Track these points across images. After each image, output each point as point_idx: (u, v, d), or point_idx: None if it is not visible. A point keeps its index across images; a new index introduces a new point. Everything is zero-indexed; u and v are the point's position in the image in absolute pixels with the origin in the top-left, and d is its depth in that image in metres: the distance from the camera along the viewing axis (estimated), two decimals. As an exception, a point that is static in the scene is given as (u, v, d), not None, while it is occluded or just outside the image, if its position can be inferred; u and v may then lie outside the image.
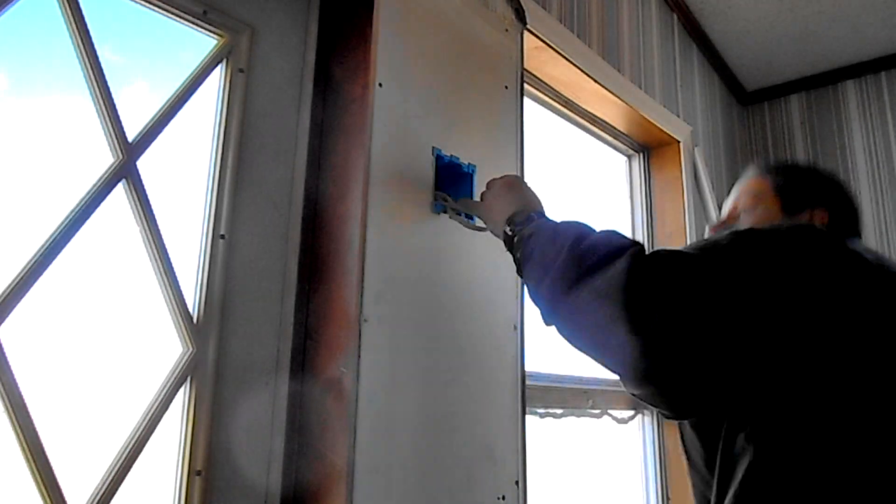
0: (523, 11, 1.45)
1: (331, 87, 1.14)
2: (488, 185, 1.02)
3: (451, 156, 1.18)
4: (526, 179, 1.33)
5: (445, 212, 1.14)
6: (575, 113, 1.91)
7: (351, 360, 0.96)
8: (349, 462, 0.92)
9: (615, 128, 2.08)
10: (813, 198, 0.98)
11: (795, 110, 2.82)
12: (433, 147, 1.15)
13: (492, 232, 0.98)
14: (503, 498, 1.16)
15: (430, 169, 1.14)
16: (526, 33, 1.48)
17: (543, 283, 0.73)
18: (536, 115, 1.77)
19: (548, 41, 1.58)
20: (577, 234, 0.72)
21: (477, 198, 1.13)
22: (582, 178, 2.07)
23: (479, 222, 1.11)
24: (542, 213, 0.90)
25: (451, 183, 1.17)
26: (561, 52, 1.63)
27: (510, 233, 0.87)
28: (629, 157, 2.26)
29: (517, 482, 1.20)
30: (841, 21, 2.39)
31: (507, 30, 1.40)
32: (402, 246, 1.07)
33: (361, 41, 1.09)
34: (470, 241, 1.17)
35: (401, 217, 1.08)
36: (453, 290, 1.15)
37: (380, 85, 1.07)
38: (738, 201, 1.02)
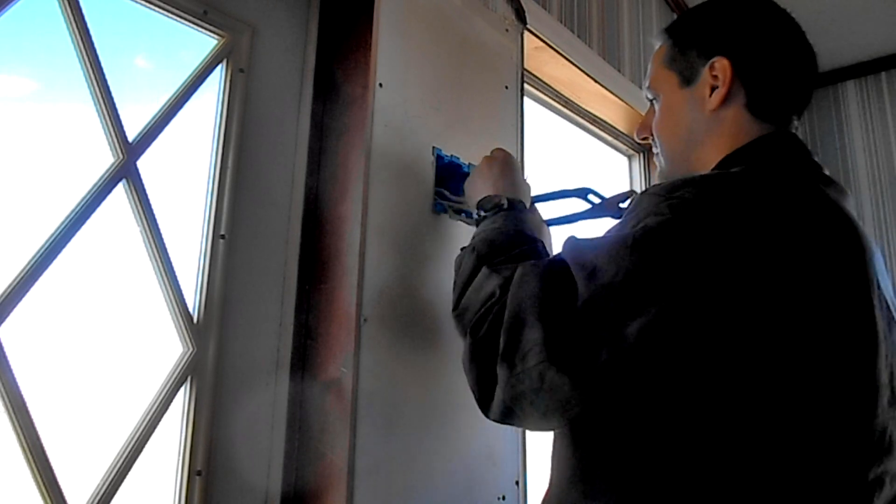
0: (523, 11, 1.45)
1: (331, 87, 1.14)
2: (485, 159, 1.02)
3: (451, 156, 1.18)
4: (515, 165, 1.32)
5: (445, 212, 1.14)
6: (575, 113, 1.91)
7: (351, 359, 0.96)
8: (349, 462, 0.92)
9: (615, 128, 2.08)
10: (706, 47, 0.77)
11: (795, 110, 2.82)
12: (433, 147, 1.15)
13: (469, 198, 1.01)
14: (503, 498, 1.16)
15: (430, 169, 1.14)
16: (526, 33, 1.48)
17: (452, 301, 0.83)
18: (536, 115, 1.77)
19: (548, 41, 1.58)
20: (460, 290, 0.80)
21: None
22: (582, 178, 2.07)
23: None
24: (512, 208, 0.89)
25: (451, 183, 1.17)
26: (561, 52, 1.63)
27: (486, 210, 0.92)
28: (629, 157, 2.26)
29: (517, 482, 1.20)
30: (841, 21, 2.39)
31: (507, 30, 1.40)
32: (402, 246, 1.07)
33: (362, 41, 1.09)
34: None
35: (401, 217, 1.08)
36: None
37: (380, 85, 1.07)
38: (647, 90, 0.86)
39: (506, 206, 0.89)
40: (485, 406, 0.69)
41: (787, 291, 0.58)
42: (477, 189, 0.97)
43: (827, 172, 0.73)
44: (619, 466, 0.62)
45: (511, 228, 0.84)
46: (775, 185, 0.64)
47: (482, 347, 0.69)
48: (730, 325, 0.56)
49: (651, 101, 0.86)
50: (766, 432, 0.58)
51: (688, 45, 0.79)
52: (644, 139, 0.88)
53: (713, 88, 0.76)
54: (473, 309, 0.74)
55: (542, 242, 0.84)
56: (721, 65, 0.75)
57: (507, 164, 0.98)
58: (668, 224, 0.59)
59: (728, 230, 0.58)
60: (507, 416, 0.67)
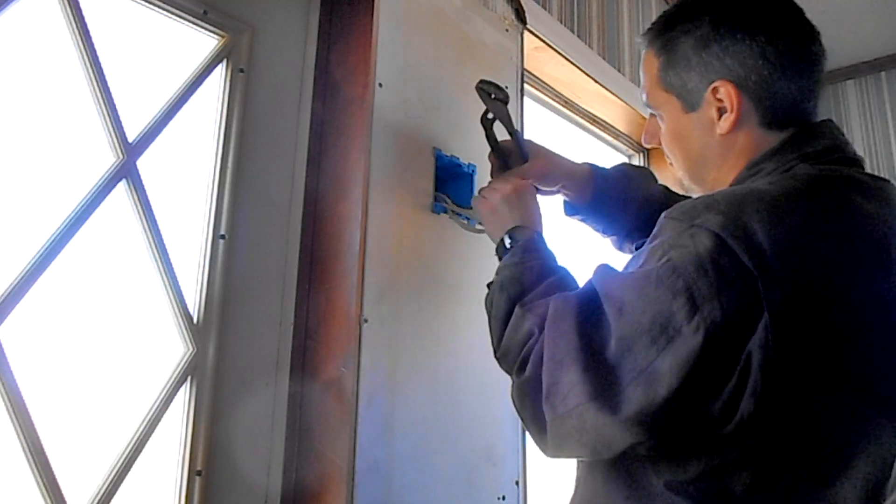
0: (523, 11, 1.45)
1: (331, 87, 1.14)
2: (495, 187, 0.96)
3: (451, 156, 1.18)
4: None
5: (445, 212, 1.14)
6: (575, 113, 1.91)
7: (351, 360, 0.96)
8: (349, 462, 0.92)
9: (615, 128, 2.08)
10: (704, 70, 0.71)
11: (795, 110, 2.82)
12: (433, 147, 1.15)
13: (488, 234, 0.96)
14: (503, 498, 1.16)
15: (430, 169, 1.14)
16: (526, 33, 1.48)
17: (492, 342, 0.81)
18: (536, 115, 1.77)
19: (548, 41, 1.58)
20: (499, 332, 0.79)
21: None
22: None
23: (478, 224, 1.11)
24: (530, 240, 0.87)
25: (451, 183, 1.17)
26: (561, 52, 1.63)
27: (507, 244, 0.88)
28: (629, 157, 2.26)
29: (517, 482, 1.20)
30: (841, 21, 2.39)
31: (507, 30, 1.40)
32: (402, 246, 1.07)
33: (361, 41, 1.09)
34: (470, 241, 1.17)
35: (401, 217, 1.08)
36: (453, 290, 1.15)
37: (380, 85, 1.07)
38: (646, 105, 0.81)
39: (534, 238, 0.87)
40: (542, 443, 0.69)
41: (817, 325, 0.57)
42: (504, 216, 0.92)
43: (861, 159, 0.69)
44: (663, 482, 0.63)
45: (535, 262, 0.82)
46: (798, 201, 0.61)
47: (529, 388, 0.69)
48: (759, 358, 0.55)
49: (652, 113, 0.82)
50: (795, 465, 0.59)
51: (682, 68, 0.73)
52: (652, 147, 0.85)
53: (720, 110, 0.71)
54: (515, 351, 0.74)
55: (568, 270, 0.83)
56: (726, 90, 0.70)
57: (526, 193, 0.94)
58: (690, 258, 0.58)
59: (752, 262, 0.56)
60: (562, 452, 0.68)
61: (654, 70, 0.78)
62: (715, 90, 0.71)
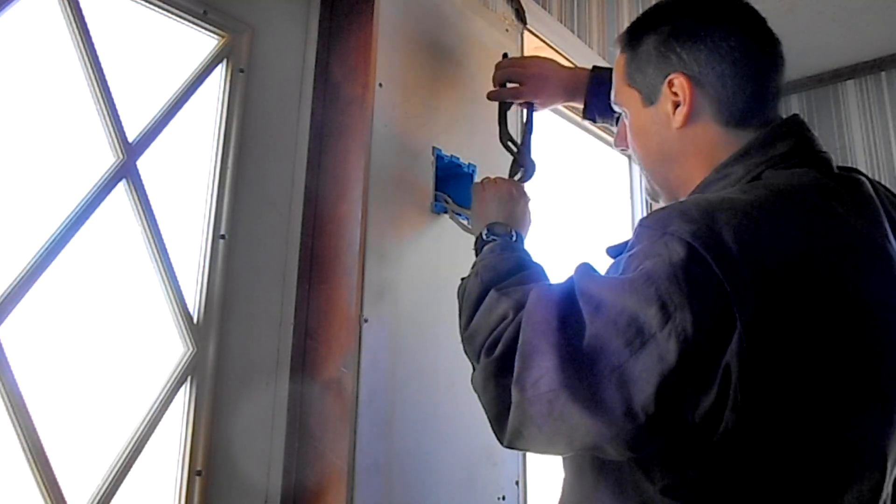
0: (523, 11, 1.45)
1: (331, 87, 1.14)
2: (495, 181, 1.03)
3: (451, 156, 1.18)
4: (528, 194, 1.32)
5: (445, 212, 1.14)
6: (575, 113, 1.91)
7: (351, 360, 0.96)
8: (349, 462, 0.92)
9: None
10: (661, 63, 0.73)
11: (795, 110, 2.82)
12: (433, 147, 1.15)
13: (472, 223, 1.01)
14: (503, 498, 1.16)
15: (430, 169, 1.14)
16: (526, 33, 1.48)
17: (460, 326, 0.82)
18: (536, 115, 1.77)
19: (548, 41, 1.58)
20: (469, 314, 0.80)
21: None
22: (582, 178, 2.07)
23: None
24: (508, 239, 0.92)
25: (451, 183, 1.17)
26: (561, 52, 1.63)
27: (484, 237, 0.94)
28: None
29: (517, 482, 1.20)
30: (841, 21, 2.39)
31: (507, 30, 1.40)
32: (402, 246, 1.07)
33: (361, 41, 1.09)
34: (470, 241, 1.17)
35: (401, 217, 1.08)
36: (453, 290, 1.15)
37: (380, 85, 1.07)
38: (615, 105, 0.83)
39: (514, 237, 0.92)
40: (499, 426, 0.69)
41: (798, 331, 0.58)
42: (491, 211, 0.98)
43: (828, 156, 0.69)
44: (659, 487, 0.63)
45: (511, 256, 0.86)
46: (768, 210, 0.61)
47: (497, 368, 0.69)
48: (736, 370, 0.56)
49: (621, 114, 0.84)
50: (800, 465, 0.59)
51: (643, 62, 0.75)
52: (623, 150, 0.87)
53: (676, 105, 0.72)
54: (485, 331, 0.74)
55: (543, 267, 0.84)
56: (679, 82, 0.71)
57: (518, 198, 1.01)
58: (663, 267, 0.58)
59: (723, 271, 0.56)
60: (517, 439, 0.67)
61: (621, 67, 0.80)
62: (670, 83, 0.72)
